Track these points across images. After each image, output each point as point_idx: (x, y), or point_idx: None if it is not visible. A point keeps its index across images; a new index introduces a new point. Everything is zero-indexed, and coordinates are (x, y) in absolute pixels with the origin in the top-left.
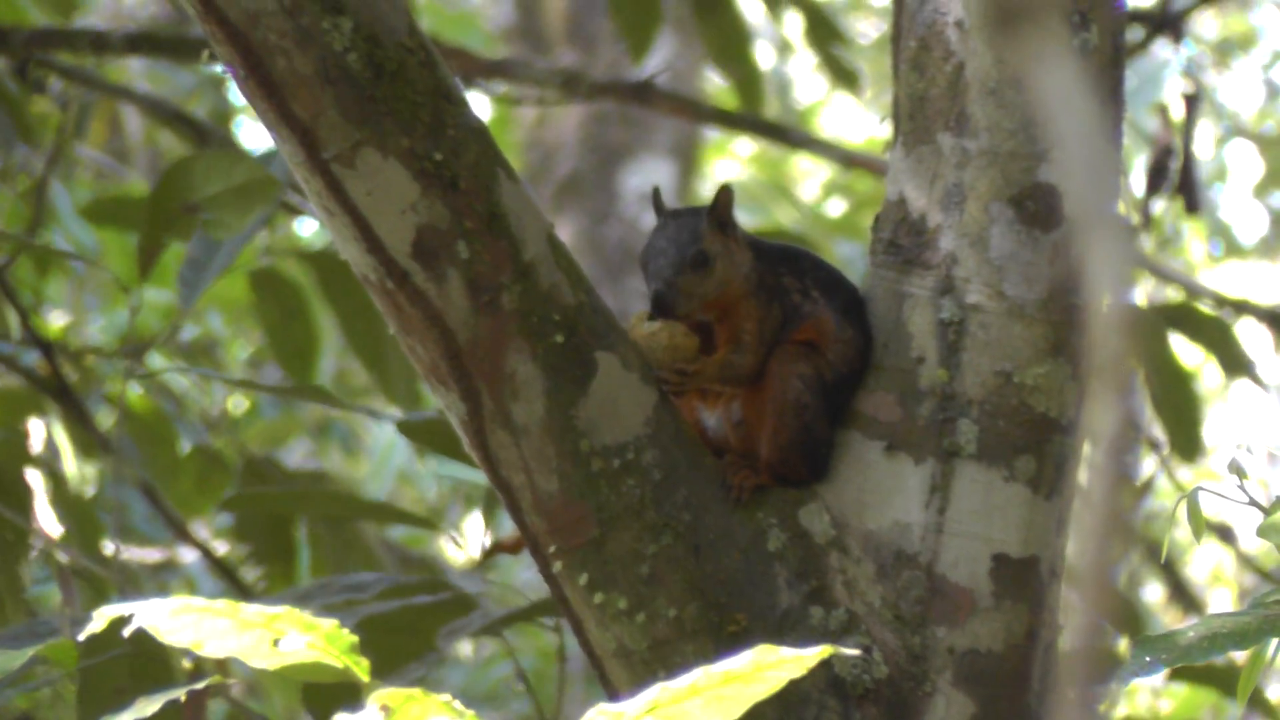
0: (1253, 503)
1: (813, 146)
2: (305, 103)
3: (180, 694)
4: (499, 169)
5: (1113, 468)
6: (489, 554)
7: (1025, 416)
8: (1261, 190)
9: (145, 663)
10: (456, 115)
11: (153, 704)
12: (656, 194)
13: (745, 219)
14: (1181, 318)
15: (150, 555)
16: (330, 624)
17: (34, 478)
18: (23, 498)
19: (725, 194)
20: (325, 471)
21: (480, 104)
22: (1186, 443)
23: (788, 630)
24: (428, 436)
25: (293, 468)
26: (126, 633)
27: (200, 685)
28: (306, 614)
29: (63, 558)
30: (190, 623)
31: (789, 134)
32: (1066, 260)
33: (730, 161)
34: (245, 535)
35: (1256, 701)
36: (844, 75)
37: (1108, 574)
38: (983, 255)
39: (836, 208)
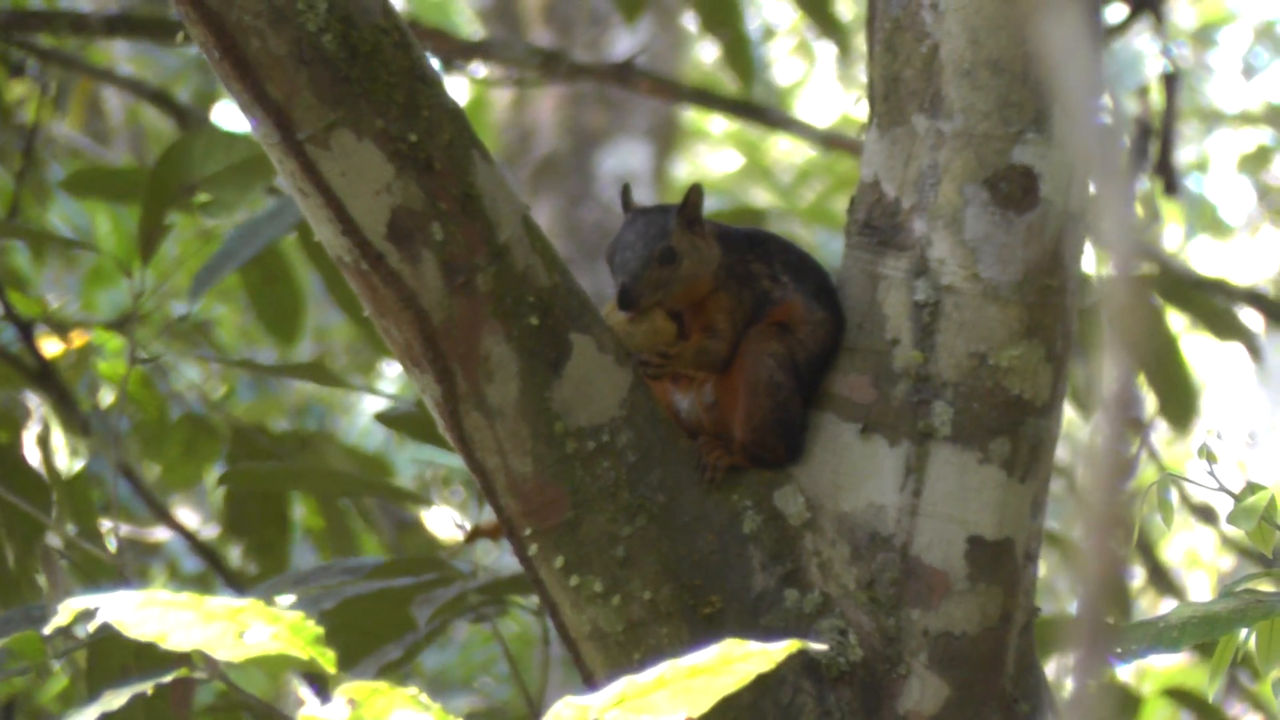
0: (1222, 488)
1: (791, 127)
2: (279, 83)
3: (148, 687)
4: (474, 150)
5: (1115, 439)
6: (470, 538)
7: (1000, 398)
8: (1245, 168)
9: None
10: (431, 96)
11: (119, 697)
12: (625, 191)
13: (716, 204)
14: (1168, 289)
15: (155, 534)
16: (295, 615)
17: (33, 456)
18: (25, 479)
19: (695, 192)
20: (314, 434)
21: (457, 85)
22: (1179, 410)
23: (762, 613)
24: (408, 427)
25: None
26: (91, 627)
27: (168, 678)
28: (272, 606)
29: (54, 541)
30: (155, 615)
31: (767, 114)
32: (1041, 242)
33: (713, 150)
34: (237, 511)
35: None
36: (830, 26)
37: (1112, 544)
38: (957, 237)
39: (816, 192)
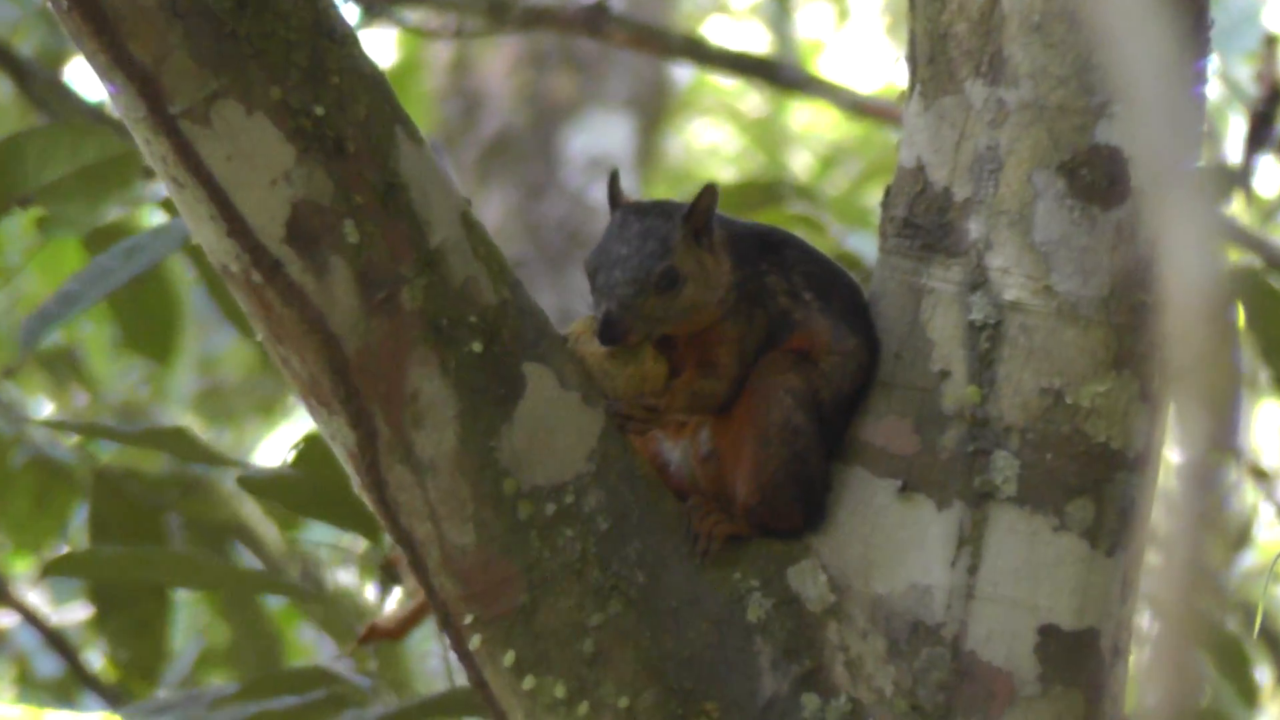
0: None
1: (812, 88)
2: (146, 42)
3: None
4: (398, 127)
5: (1195, 499)
6: (365, 639)
7: (1080, 448)
8: None
9: None
10: (343, 58)
11: None
12: (614, 180)
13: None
14: None
15: None
16: None
17: None
18: None
19: (708, 195)
20: (201, 480)
21: (379, 41)
22: None
23: None
24: (282, 494)
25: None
26: None
27: None
28: None
29: None
30: None
31: (781, 71)
32: (1132, 245)
33: (714, 124)
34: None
35: None
36: None
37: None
38: (1024, 239)
39: (844, 180)
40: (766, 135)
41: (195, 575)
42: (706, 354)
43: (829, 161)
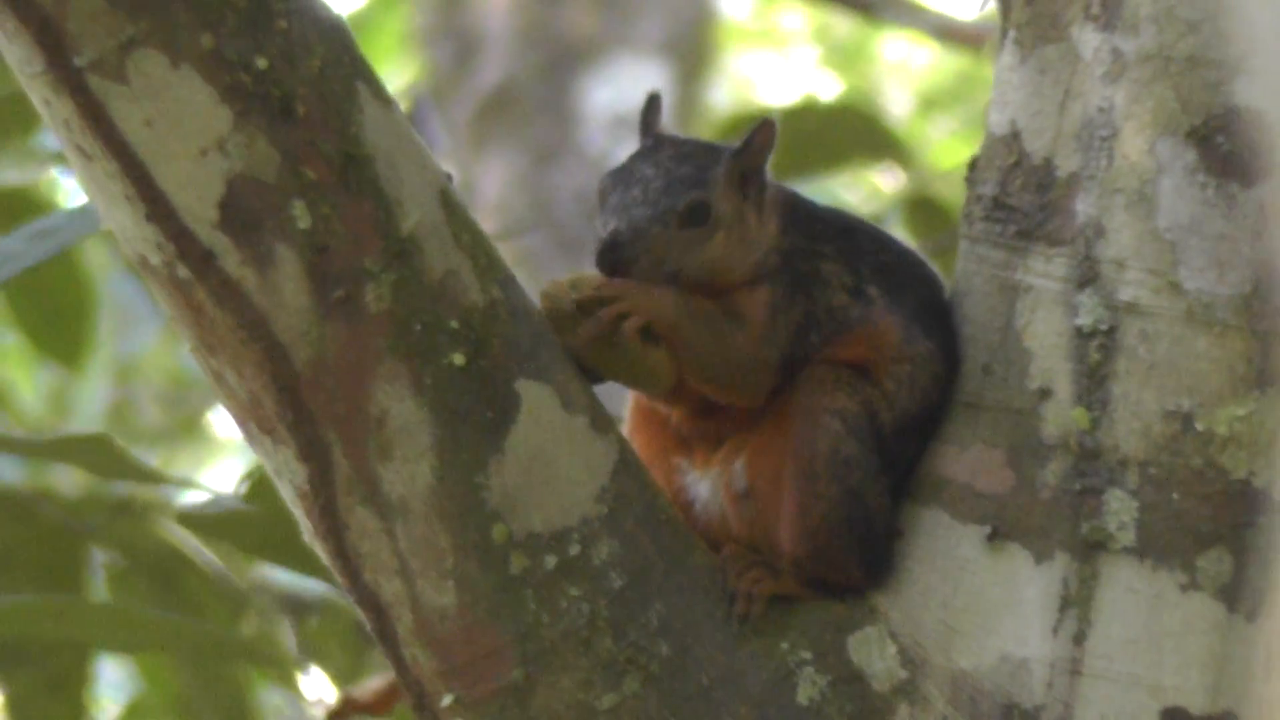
0: None
1: (891, 12)
2: None
3: None
4: (361, 84)
5: None
6: (338, 714)
7: (1215, 486)
8: None
9: None
10: None
11: None
12: (652, 103)
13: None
14: None
15: None
16: None
17: None
18: None
19: (765, 132)
20: (141, 501)
21: None
22: None
23: None
24: (231, 531)
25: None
26: None
27: None
28: None
29: None
30: None
31: None
32: None
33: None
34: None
35: None
36: None
37: None
38: (1146, 224)
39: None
40: (850, 65)
41: (130, 632)
42: (732, 306)
43: (931, 103)
